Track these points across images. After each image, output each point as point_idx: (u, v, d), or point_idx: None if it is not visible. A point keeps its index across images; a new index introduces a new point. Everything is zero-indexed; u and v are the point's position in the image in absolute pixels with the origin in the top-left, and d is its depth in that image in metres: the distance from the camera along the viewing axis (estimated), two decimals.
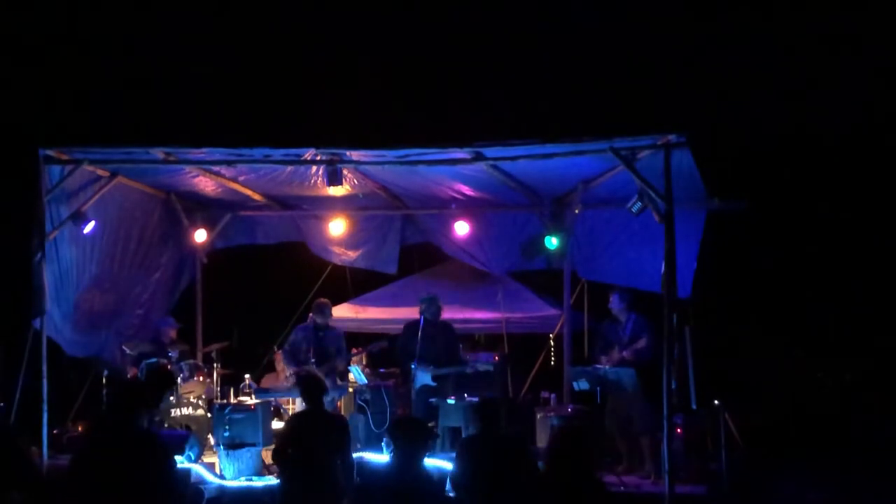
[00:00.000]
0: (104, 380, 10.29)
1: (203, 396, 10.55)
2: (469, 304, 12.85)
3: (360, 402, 10.27)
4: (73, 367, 11.09)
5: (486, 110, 16.68)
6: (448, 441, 9.78)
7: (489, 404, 7.31)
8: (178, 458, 9.17)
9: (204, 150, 9.60)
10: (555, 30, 17.40)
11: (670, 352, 8.51)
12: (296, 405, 10.21)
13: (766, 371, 14.27)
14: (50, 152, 9.49)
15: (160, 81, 16.61)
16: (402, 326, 10.87)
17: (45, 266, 9.36)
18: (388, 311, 13.24)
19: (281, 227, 12.66)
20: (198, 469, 9.30)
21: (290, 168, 10.11)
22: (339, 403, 10.46)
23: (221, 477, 9.32)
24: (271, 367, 11.80)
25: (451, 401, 10.02)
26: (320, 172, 10.08)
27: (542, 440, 10.06)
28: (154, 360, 10.38)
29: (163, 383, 9.82)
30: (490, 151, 9.45)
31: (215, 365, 10.84)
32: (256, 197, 11.65)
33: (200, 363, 10.96)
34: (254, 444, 9.50)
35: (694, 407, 9.18)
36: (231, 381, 10.93)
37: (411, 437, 6.19)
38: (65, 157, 9.60)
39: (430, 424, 9.70)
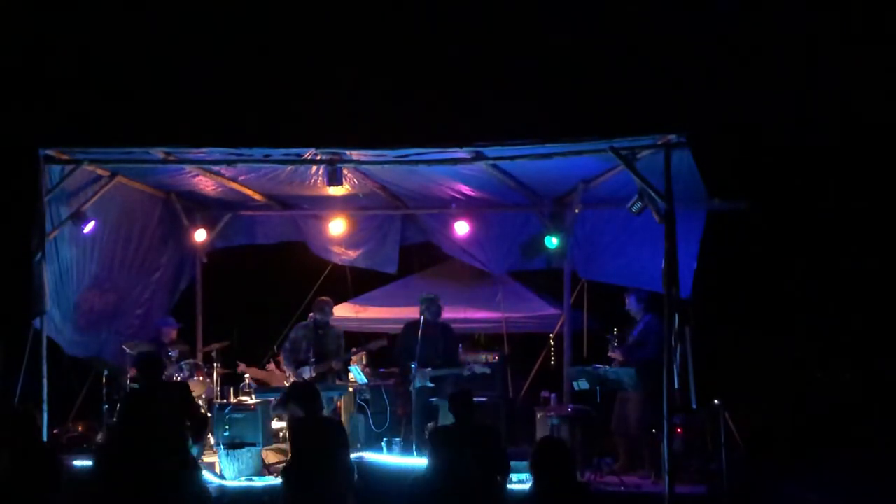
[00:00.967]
0: (104, 380, 10.28)
1: (203, 396, 10.56)
2: (469, 304, 12.85)
3: (360, 402, 10.28)
4: (73, 367, 11.08)
5: (486, 110, 16.68)
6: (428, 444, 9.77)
7: (462, 396, 7.40)
8: None
9: (204, 149, 9.61)
10: (555, 29, 17.39)
11: (671, 352, 8.51)
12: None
13: (766, 371, 14.27)
14: (50, 152, 9.48)
15: (160, 81, 16.61)
16: (401, 326, 10.87)
17: (45, 266, 9.36)
18: (388, 311, 13.23)
19: (281, 227, 12.66)
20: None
21: (290, 168, 10.11)
22: (339, 403, 10.46)
23: (221, 477, 9.32)
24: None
25: None
26: (320, 172, 10.08)
27: None
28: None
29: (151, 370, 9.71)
30: (490, 151, 9.45)
31: (215, 365, 10.84)
32: (256, 197, 11.65)
33: (200, 363, 10.96)
34: (254, 444, 9.51)
35: (694, 407, 9.18)
36: (231, 381, 10.94)
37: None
38: (65, 157, 9.60)
39: (429, 424, 9.73)
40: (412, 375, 10.12)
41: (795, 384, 14.07)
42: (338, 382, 10.57)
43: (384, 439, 9.83)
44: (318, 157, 9.61)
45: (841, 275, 15.29)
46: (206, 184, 11.06)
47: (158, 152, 9.68)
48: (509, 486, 7.37)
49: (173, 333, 11.09)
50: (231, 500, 8.99)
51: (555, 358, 13.25)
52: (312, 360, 10.33)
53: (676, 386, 8.46)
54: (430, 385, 10.14)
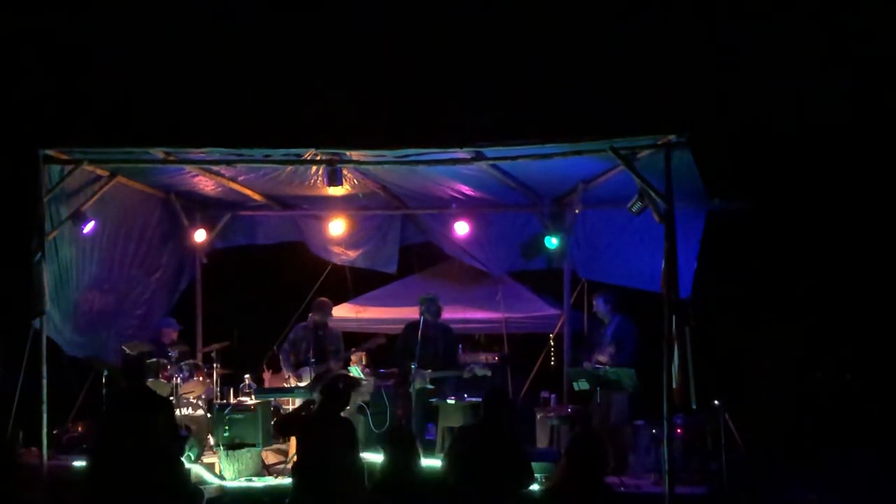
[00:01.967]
0: (104, 380, 10.28)
1: (203, 396, 10.56)
2: (469, 304, 12.85)
3: (360, 402, 10.27)
4: (73, 367, 11.08)
5: (486, 110, 16.66)
6: (448, 441, 9.78)
7: (496, 397, 7.30)
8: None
9: (204, 150, 9.61)
10: (555, 29, 17.39)
11: (670, 352, 8.52)
12: (295, 405, 10.20)
13: (766, 371, 14.26)
14: (50, 152, 9.48)
15: (160, 81, 16.60)
16: (401, 326, 10.88)
17: (45, 266, 9.36)
18: (388, 311, 13.24)
19: (281, 227, 12.66)
20: (198, 469, 9.30)
21: (290, 168, 10.11)
22: None
23: (221, 477, 9.32)
24: (275, 367, 11.78)
25: (450, 401, 10.02)
26: (320, 172, 10.08)
27: (541, 440, 10.08)
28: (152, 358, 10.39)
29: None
30: (490, 151, 9.45)
31: (215, 365, 10.84)
32: (256, 197, 11.65)
33: (200, 363, 10.96)
34: (254, 444, 9.51)
35: (694, 407, 9.17)
36: (231, 381, 10.93)
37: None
38: (65, 156, 9.60)
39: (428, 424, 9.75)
40: (412, 376, 10.12)
41: (795, 384, 14.06)
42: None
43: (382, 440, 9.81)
44: (318, 158, 9.61)
45: (841, 275, 15.28)
46: (205, 184, 11.06)
47: (158, 152, 9.68)
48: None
49: (174, 334, 11.09)
50: (231, 501, 9.00)
51: (555, 358, 13.24)
52: (312, 360, 10.33)
53: (675, 386, 8.46)
54: (430, 386, 10.14)
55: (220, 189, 11.28)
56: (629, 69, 16.68)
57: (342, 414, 7.79)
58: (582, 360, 10.21)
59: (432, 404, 10.13)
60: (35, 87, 15.51)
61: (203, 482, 9.06)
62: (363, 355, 11.11)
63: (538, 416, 10.13)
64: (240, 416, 9.61)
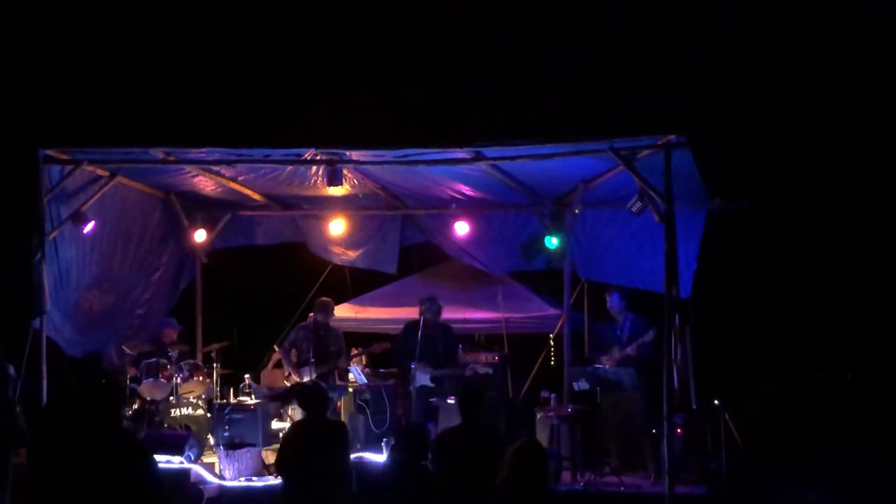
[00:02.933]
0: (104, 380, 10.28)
1: (203, 396, 10.56)
2: (469, 304, 12.84)
3: (360, 402, 10.27)
4: (73, 367, 11.08)
5: (486, 110, 16.67)
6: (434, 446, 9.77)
7: (470, 395, 7.25)
8: (175, 458, 9.21)
9: (204, 150, 9.60)
10: (555, 29, 17.40)
11: (670, 352, 8.52)
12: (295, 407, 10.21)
13: (766, 371, 14.27)
14: (50, 152, 9.48)
15: (160, 81, 16.61)
16: (401, 326, 10.88)
17: (45, 266, 9.36)
18: (387, 311, 13.23)
19: (281, 227, 12.65)
20: (198, 469, 9.30)
21: (290, 168, 10.11)
22: (339, 403, 10.46)
23: (221, 477, 9.32)
24: (275, 365, 11.78)
25: (451, 401, 10.01)
26: (320, 172, 10.08)
27: (541, 440, 10.06)
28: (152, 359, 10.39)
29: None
30: (490, 151, 9.45)
31: (215, 365, 10.84)
32: (256, 197, 11.65)
33: (200, 363, 10.96)
34: (254, 444, 9.50)
35: (694, 407, 9.18)
36: (231, 381, 10.93)
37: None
38: (65, 157, 9.60)
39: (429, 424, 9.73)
40: (412, 375, 10.12)
41: (795, 384, 14.07)
42: (338, 382, 10.57)
43: (384, 439, 9.82)
44: (318, 157, 9.61)
45: (841, 275, 15.29)
46: (205, 184, 11.05)
47: (158, 152, 9.68)
48: None
49: (174, 335, 11.08)
50: (231, 500, 8.99)
51: (555, 358, 13.23)
52: (313, 360, 10.32)
53: (676, 386, 8.46)
54: (431, 385, 10.14)
55: (220, 189, 11.28)
56: (629, 69, 16.69)
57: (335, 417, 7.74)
58: (595, 358, 10.12)
59: (433, 404, 10.13)
60: (35, 87, 15.51)
61: (203, 482, 9.06)
62: (364, 356, 11.11)
63: (538, 416, 10.12)
64: (239, 415, 9.61)
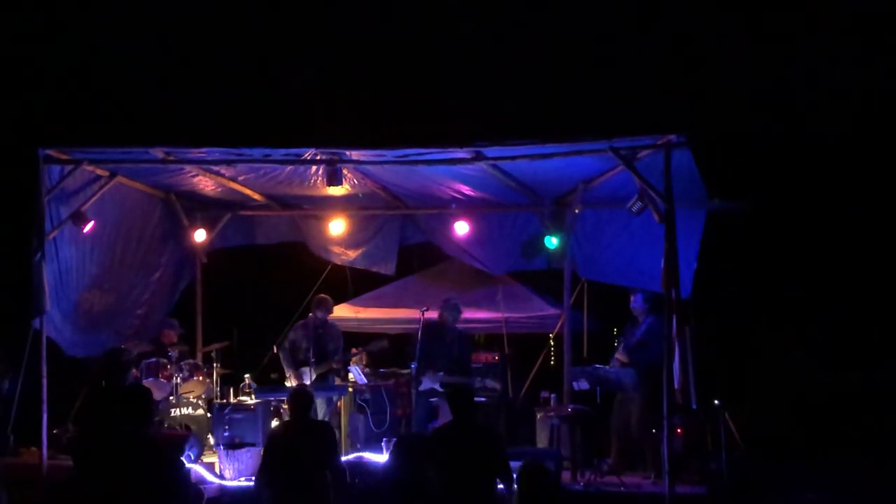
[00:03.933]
0: (103, 381, 10.27)
1: (203, 396, 10.56)
2: (469, 304, 12.78)
3: (360, 402, 10.27)
4: (73, 367, 11.08)
5: (486, 110, 16.67)
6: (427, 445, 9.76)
7: (462, 394, 7.20)
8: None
9: (203, 149, 9.61)
10: (555, 29, 17.39)
11: (671, 352, 8.52)
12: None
13: (766, 371, 14.27)
14: (50, 152, 9.48)
15: (160, 81, 16.61)
16: (401, 326, 10.87)
17: (45, 266, 9.36)
18: (387, 311, 13.23)
19: (281, 227, 12.65)
20: (198, 469, 9.30)
21: (290, 168, 10.11)
22: (339, 403, 10.45)
23: (221, 477, 9.32)
24: (274, 367, 11.78)
25: None
26: (320, 172, 10.08)
27: (541, 440, 10.08)
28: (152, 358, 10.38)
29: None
30: (490, 151, 9.45)
31: (215, 365, 10.84)
32: (256, 197, 11.65)
33: (200, 363, 10.96)
34: (254, 444, 9.49)
35: (694, 407, 9.18)
36: (231, 381, 10.93)
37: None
38: (65, 156, 9.60)
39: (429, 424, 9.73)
40: (422, 375, 10.10)
41: (795, 384, 14.07)
42: (338, 382, 10.57)
43: (384, 439, 9.83)
44: (318, 157, 9.61)
45: (841, 275, 15.29)
46: (205, 184, 11.05)
47: (158, 152, 9.69)
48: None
49: (174, 336, 11.08)
50: (231, 500, 8.99)
51: (555, 358, 13.23)
52: (313, 360, 10.31)
53: (677, 386, 8.47)
54: (440, 389, 10.11)
55: (220, 189, 11.28)
56: (629, 69, 16.68)
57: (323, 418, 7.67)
58: (611, 358, 10.12)
59: (434, 404, 10.13)
60: (35, 87, 15.51)
61: (203, 482, 9.06)
62: (364, 355, 11.10)
63: (538, 416, 10.12)
64: (239, 415, 9.61)
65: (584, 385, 9.81)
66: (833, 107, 15.84)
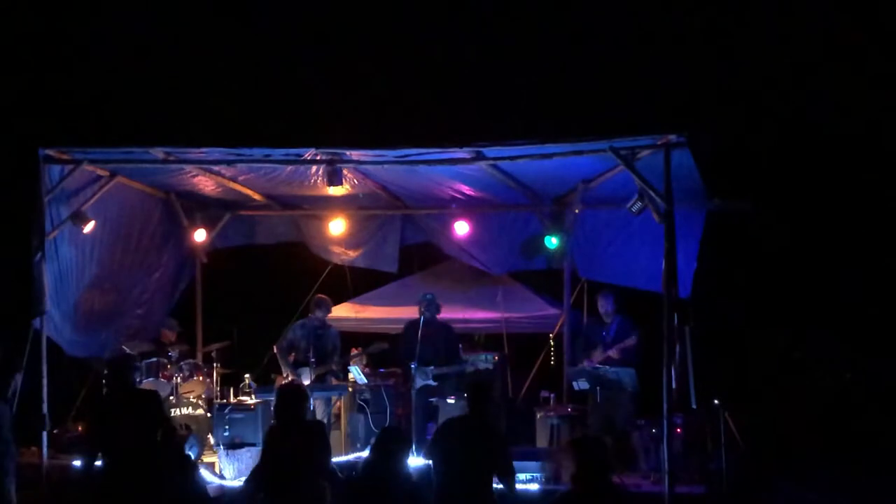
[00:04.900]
0: (104, 380, 10.28)
1: (203, 396, 10.56)
2: (469, 304, 12.84)
3: (360, 402, 10.28)
4: (73, 367, 11.09)
5: (486, 110, 16.66)
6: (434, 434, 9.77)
7: (480, 387, 7.18)
8: None
9: (204, 149, 9.61)
10: (555, 29, 17.39)
11: (671, 352, 8.52)
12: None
13: (766, 371, 14.26)
14: (50, 152, 9.49)
15: (160, 81, 16.60)
16: (401, 326, 10.88)
17: (45, 266, 9.37)
18: (387, 311, 13.23)
19: (281, 227, 12.66)
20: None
21: (290, 168, 10.11)
22: (338, 403, 10.45)
23: (221, 477, 9.32)
24: (275, 367, 11.77)
25: (451, 400, 10.02)
26: (320, 172, 10.08)
27: (541, 440, 10.08)
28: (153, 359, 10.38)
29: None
30: (490, 151, 9.45)
31: (215, 365, 10.84)
32: (256, 197, 11.65)
33: (200, 363, 10.96)
34: (254, 444, 9.50)
35: (694, 407, 9.18)
36: (231, 381, 10.93)
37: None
38: (65, 156, 9.61)
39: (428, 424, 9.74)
40: (413, 375, 10.12)
41: (795, 384, 14.06)
42: (335, 382, 10.56)
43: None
44: (318, 157, 9.61)
45: (841, 274, 15.29)
46: (205, 184, 11.06)
47: (158, 152, 9.69)
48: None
49: (173, 336, 11.09)
50: (231, 500, 8.99)
51: (555, 358, 13.24)
52: (313, 360, 10.31)
53: (675, 386, 8.47)
54: (432, 384, 10.14)
55: (220, 189, 11.28)
56: (629, 69, 16.68)
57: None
58: (579, 358, 10.20)
59: (433, 404, 10.13)
60: (35, 86, 15.51)
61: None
62: (364, 356, 11.11)
63: (538, 416, 10.12)
64: (240, 415, 9.61)
65: (583, 385, 9.82)
66: (833, 107, 15.84)
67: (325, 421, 9.79)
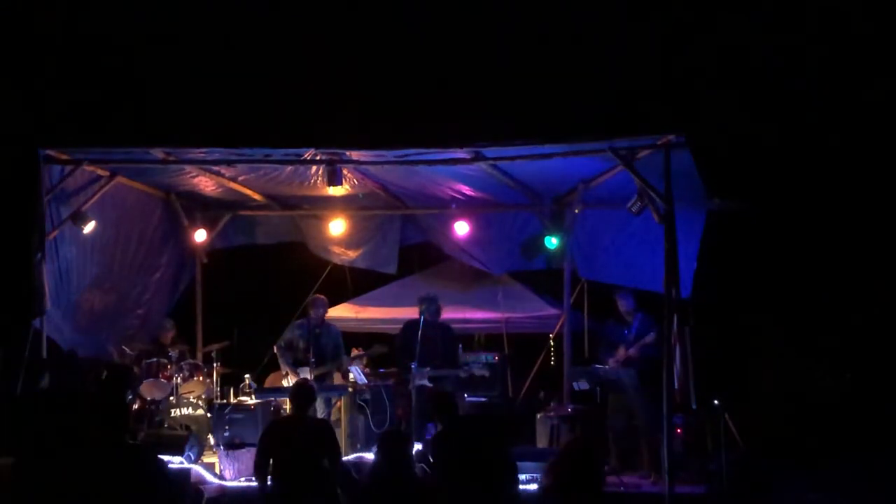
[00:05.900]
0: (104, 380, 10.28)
1: (203, 396, 10.56)
2: (469, 304, 12.84)
3: (360, 402, 10.27)
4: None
5: (486, 110, 16.66)
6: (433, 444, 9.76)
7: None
8: (175, 458, 9.19)
9: (204, 149, 9.62)
10: (554, 29, 17.39)
11: (670, 352, 8.52)
12: None
13: (766, 371, 14.26)
14: (50, 152, 9.50)
15: (160, 81, 16.60)
16: (401, 327, 10.87)
17: (45, 266, 9.37)
18: (387, 311, 13.23)
19: (281, 227, 12.67)
20: (198, 469, 9.30)
21: (290, 168, 10.12)
22: (338, 403, 10.45)
23: (221, 477, 9.32)
24: (275, 366, 11.78)
25: None
26: (320, 172, 10.08)
27: (541, 440, 10.08)
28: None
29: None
30: (490, 151, 9.46)
31: (215, 365, 10.84)
32: (256, 197, 11.65)
33: (200, 363, 10.96)
34: (254, 444, 9.48)
35: (694, 407, 9.18)
36: (231, 380, 10.93)
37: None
38: (65, 157, 9.61)
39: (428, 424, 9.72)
40: (411, 375, 10.12)
41: (795, 384, 14.06)
42: (336, 382, 10.56)
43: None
44: (318, 157, 9.62)
45: (841, 274, 15.28)
46: (206, 184, 11.06)
47: (158, 152, 9.69)
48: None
49: (170, 335, 11.08)
50: (231, 500, 8.99)
51: (555, 358, 13.24)
52: (312, 360, 10.31)
53: (676, 386, 8.47)
54: (430, 385, 10.14)
55: (220, 189, 11.28)
56: (629, 69, 16.68)
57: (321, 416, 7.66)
58: (602, 360, 10.09)
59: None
60: (35, 86, 15.51)
61: (203, 482, 9.06)
62: (365, 357, 11.11)
63: (538, 416, 10.12)
64: (239, 415, 9.61)
65: (584, 385, 9.81)
66: (833, 106, 15.84)
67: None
